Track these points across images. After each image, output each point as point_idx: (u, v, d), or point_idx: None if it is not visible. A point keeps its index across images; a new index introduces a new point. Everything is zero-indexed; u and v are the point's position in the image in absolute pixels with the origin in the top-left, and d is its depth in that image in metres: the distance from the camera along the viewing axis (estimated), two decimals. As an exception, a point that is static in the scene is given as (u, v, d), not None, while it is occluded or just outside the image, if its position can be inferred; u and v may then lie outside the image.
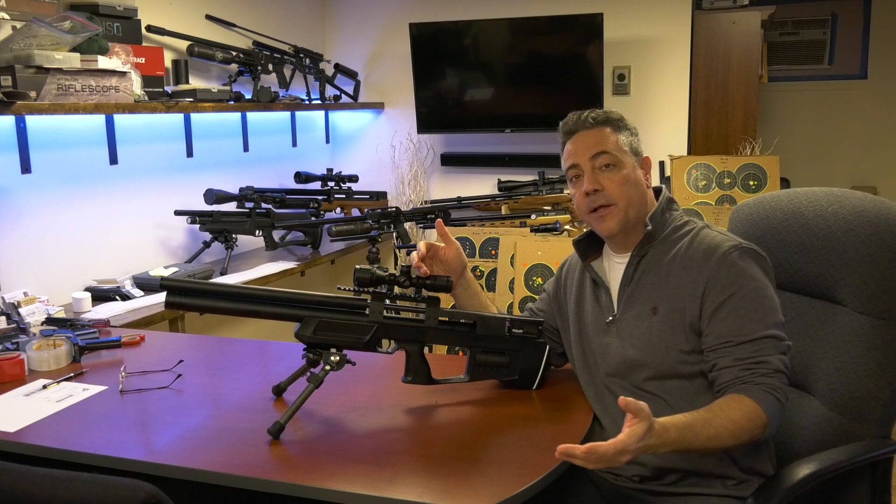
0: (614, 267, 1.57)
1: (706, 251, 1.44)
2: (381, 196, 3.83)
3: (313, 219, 3.36)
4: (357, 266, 1.44)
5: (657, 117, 3.70)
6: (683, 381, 1.44)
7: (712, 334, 1.40)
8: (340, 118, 4.26)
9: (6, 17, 2.22)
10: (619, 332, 1.51)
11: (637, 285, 1.51)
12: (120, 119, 2.73)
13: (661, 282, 1.47)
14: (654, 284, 1.48)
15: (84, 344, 1.85)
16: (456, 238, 2.00)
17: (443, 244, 1.62)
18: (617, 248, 1.57)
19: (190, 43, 2.99)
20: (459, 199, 3.75)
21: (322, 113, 4.16)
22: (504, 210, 3.65)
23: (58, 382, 1.67)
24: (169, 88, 2.86)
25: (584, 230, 1.66)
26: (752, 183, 3.35)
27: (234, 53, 3.16)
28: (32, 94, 2.12)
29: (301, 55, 3.66)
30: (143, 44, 2.77)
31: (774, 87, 5.13)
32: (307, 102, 3.72)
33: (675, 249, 1.48)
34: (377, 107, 4.17)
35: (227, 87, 3.09)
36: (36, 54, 2.12)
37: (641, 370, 1.46)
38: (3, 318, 1.97)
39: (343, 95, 3.96)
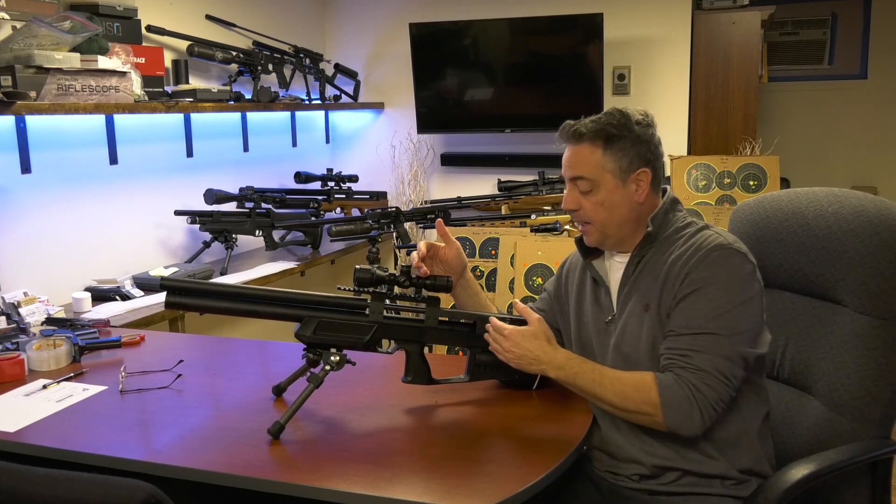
0: (615, 266, 1.57)
1: (695, 250, 1.44)
2: (381, 196, 3.83)
3: (313, 219, 3.36)
4: (357, 266, 1.44)
5: (657, 117, 3.64)
6: None
7: (668, 325, 1.43)
8: (340, 118, 4.26)
9: (6, 17, 2.22)
10: (617, 331, 1.51)
11: (634, 284, 1.51)
12: (120, 119, 2.73)
13: (655, 280, 1.48)
14: (648, 283, 1.48)
15: (84, 344, 1.85)
16: (456, 238, 2.00)
17: (443, 244, 1.62)
18: (617, 249, 1.57)
19: (190, 43, 2.99)
20: (459, 199, 3.75)
21: (322, 113, 4.16)
22: (504, 210, 3.65)
23: (58, 382, 1.67)
24: (169, 88, 2.86)
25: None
26: (752, 183, 3.35)
27: (234, 53, 3.16)
28: (32, 94, 2.12)
29: (301, 55, 3.66)
30: (143, 44, 2.77)
31: (774, 87, 5.13)
32: (307, 102, 3.72)
33: (671, 249, 1.49)
34: (377, 107, 4.17)
35: (227, 87, 3.09)
36: (36, 54, 2.12)
37: (636, 367, 1.46)
38: (3, 318, 1.97)
39: (343, 95, 3.96)
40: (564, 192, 1.58)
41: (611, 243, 1.54)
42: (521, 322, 1.57)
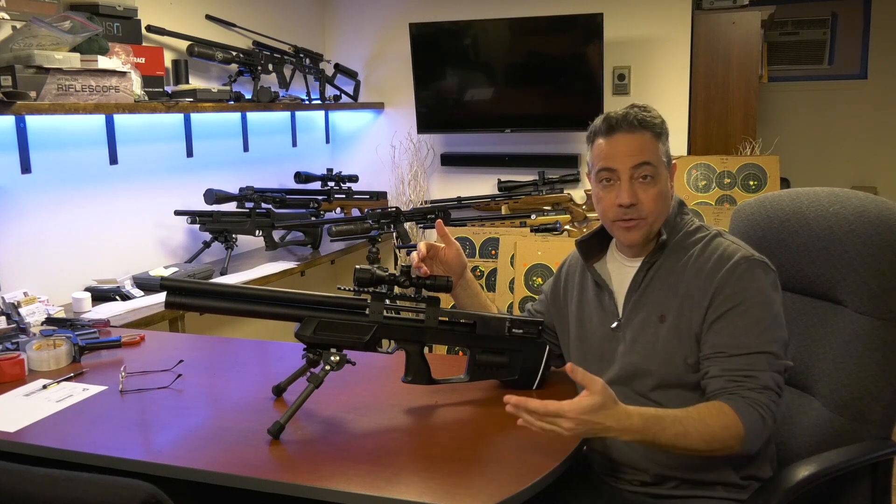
0: (622, 270, 1.55)
1: (717, 261, 1.42)
2: (381, 196, 3.83)
3: (313, 219, 3.36)
4: (357, 266, 1.44)
5: (657, 117, 3.69)
6: (688, 390, 1.43)
7: (708, 343, 1.39)
8: (340, 118, 4.26)
9: (6, 17, 2.22)
10: (625, 338, 1.49)
11: (645, 291, 1.48)
12: (120, 119, 2.73)
13: (670, 290, 1.45)
14: (662, 292, 1.46)
15: (84, 344, 1.85)
16: (456, 238, 2.00)
17: (443, 245, 1.61)
18: (630, 252, 1.54)
19: (190, 43, 2.99)
20: (459, 199, 3.75)
21: (322, 113, 4.16)
22: (504, 210, 3.65)
23: (58, 382, 1.67)
24: (169, 88, 2.86)
25: (586, 230, 1.65)
26: (752, 183, 3.35)
27: (234, 53, 3.16)
28: (32, 94, 2.12)
29: (301, 55, 3.66)
30: (143, 44, 2.77)
31: (774, 87, 5.13)
32: (307, 102, 3.72)
33: (686, 257, 1.46)
34: (377, 107, 4.17)
35: (227, 87, 3.09)
36: (36, 54, 2.12)
37: (646, 379, 1.44)
38: (3, 318, 1.97)
39: (343, 95, 3.96)
40: (597, 188, 1.50)
41: (650, 238, 1.49)
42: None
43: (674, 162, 1.53)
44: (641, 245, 1.50)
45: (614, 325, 1.51)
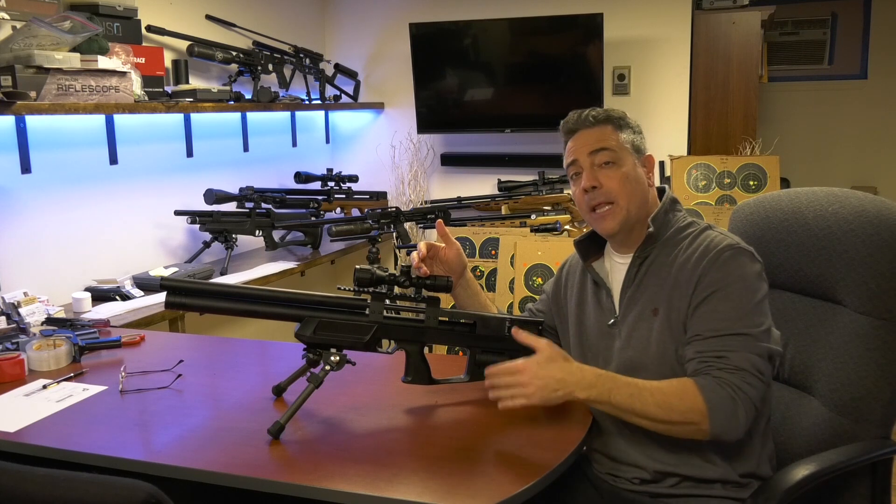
0: (616, 267, 1.56)
1: (704, 251, 1.43)
2: (381, 196, 3.84)
3: (313, 219, 3.36)
4: (357, 266, 1.44)
5: (657, 117, 3.70)
6: None
7: (690, 329, 1.41)
8: (340, 118, 4.26)
9: (6, 17, 2.22)
10: (621, 334, 1.50)
11: (639, 287, 1.50)
12: (120, 119, 2.73)
13: (662, 283, 1.47)
14: (655, 286, 1.47)
15: (84, 344, 1.85)
16: (456, 238, 2.00)
17: (443, 245, 1.62)
18: (619, 247, 1.56)
19: (190, 43, 2.99)
20: (459, 199, 3.75)
21: (322, 113, 4.16)
22: (504, 210, 3.65)
23: (58, 382, 1.67)
24: (169, 88, 2.86)
25: (585, 230, 1.66)
26: (752, 183, 3.35)
27: (234, 53, 3.16)
28: (32, 94, 2.12)
29: (301, 55, 3.66)
30: (143, 44, 2.77)
31: (774, 87, 5.13)
32: (307, 102, 3.72)
33: (676, 251, 1.48)
34: (377, 107, 4.17)
35: (227, 87, 3.09)
36: (36, 54, 2.12)
37: (642, 373, 1.44)
38: (3, 318, 1.97)
39: (343, 95, 3.96)
40: (571, 186, 1.55)
41: (629, 226, 1.50)
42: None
43: (648, 154, 1.56)
44: (623, 234, 1.52)
45: (611, 321, 1.52)
